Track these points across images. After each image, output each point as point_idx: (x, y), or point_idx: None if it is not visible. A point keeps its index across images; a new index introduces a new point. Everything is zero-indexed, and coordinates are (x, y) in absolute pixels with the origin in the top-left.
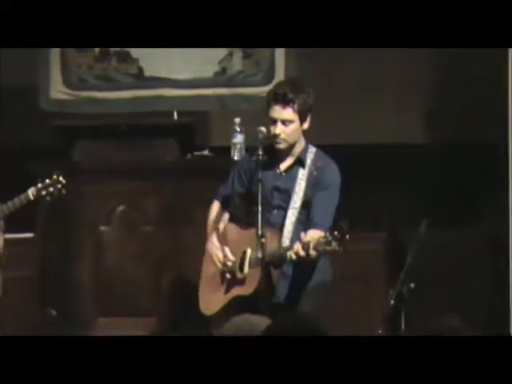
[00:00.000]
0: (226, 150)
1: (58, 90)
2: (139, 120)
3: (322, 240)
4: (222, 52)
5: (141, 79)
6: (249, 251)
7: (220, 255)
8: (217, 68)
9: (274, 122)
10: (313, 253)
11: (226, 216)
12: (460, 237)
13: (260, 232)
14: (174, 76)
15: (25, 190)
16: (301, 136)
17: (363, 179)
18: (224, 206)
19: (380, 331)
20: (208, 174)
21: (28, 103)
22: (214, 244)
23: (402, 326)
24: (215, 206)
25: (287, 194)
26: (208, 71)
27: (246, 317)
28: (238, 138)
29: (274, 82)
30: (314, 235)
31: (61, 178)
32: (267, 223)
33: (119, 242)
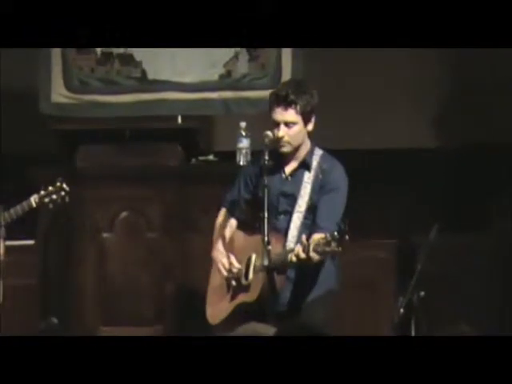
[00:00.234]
0: (232, 155)
1: (59, 94)
2: (142, 124)
3: (322, 241)
4: (227, 54)
5: (144, 82)
6: (253, 257)
7: (225, 263)
8: (222, 71)
9: (277, 124)
10: (313, 255)
11: (234, 223)
12: (471, 241)
13: (266, 239)
14: (177, 79)
15: (27, 196)
16: (306, 138)
17: (373, 185)
18: (231, 213)
19: None
20: (213, 180)
21: (28, 107)
22: (219, 251)
23: (412, 335)
24: (222, 213)
25: (293, 199)
26: (213, 74)
27: (253, 326)
28: (244, 143)
29: None
30: (315, 238)
31: (64, 185)
32: (273, 229)
33: (122, 249)
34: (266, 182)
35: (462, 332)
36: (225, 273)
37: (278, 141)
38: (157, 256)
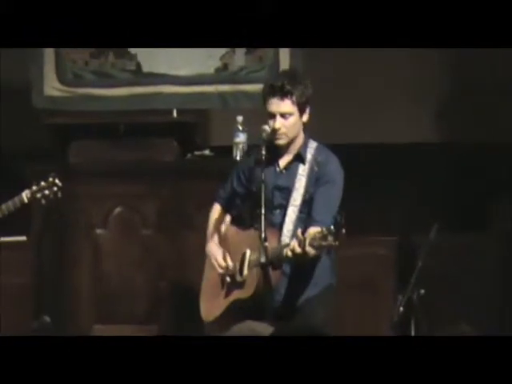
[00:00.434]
0: (228, 150)
1: (52, 87)
2: (137, 118)
3: (318, 235)
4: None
5: (139, 75)
6: (248, 253)
7: (219, 259)
8: (218, 64)
9: (273, 116)
10: (309, 249)
11: (228, 218)
12: (471, 241)
13: (264, 235)
14: (173, 72)
15: (19, 191)
16: (300, 130)
17: (372, 182)
18: (224, 208)
19: None
20: (209, 175)
21: (20, 101)
22: (213, 248)
23: (412, 334)
24: (215, 209)
25: (288, 192)
26: (209, 67)
27: (249, 324)
28: (241, 138)
29: None
30: (311, 232)
31: (57, 181)
32: (268, 223)
33: (116, 246)
34: (263, 177)
35: (462, 332)
36: (219, 269)
37: (274, 133)
38: (151, 252)
